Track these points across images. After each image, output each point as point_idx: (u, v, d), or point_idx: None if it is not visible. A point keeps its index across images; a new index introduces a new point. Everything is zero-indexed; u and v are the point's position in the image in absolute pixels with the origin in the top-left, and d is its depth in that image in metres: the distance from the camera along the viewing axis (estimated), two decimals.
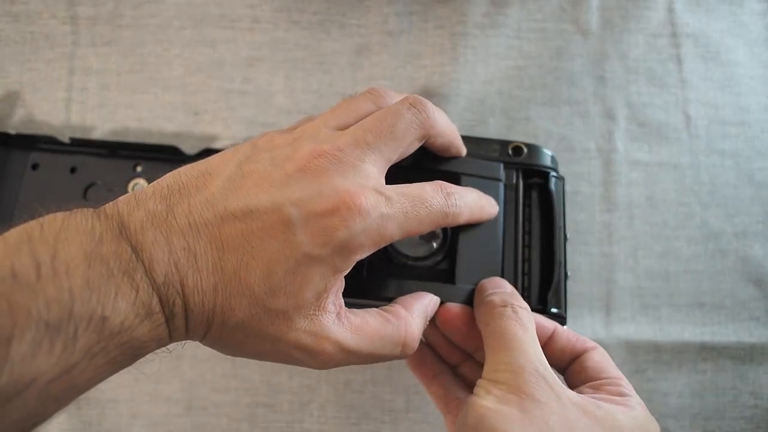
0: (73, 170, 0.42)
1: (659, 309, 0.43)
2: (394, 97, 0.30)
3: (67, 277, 0.20)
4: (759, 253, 0.44)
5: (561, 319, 0.34)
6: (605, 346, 0.41)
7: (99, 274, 0.21)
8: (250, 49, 0.47)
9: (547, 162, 0.36)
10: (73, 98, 0.46)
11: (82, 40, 0.47)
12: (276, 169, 0.26)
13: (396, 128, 0.28)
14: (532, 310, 0.31)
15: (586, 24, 0.48)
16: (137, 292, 0.22)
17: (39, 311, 0.19)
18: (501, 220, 0.34)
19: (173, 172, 0.27)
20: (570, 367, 0.31)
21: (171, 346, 0.25)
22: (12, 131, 0.42)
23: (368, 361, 0.28)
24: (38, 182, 0.42)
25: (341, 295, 0.27)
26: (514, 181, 0.35)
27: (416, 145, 0.30)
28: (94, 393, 0.41)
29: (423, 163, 0.33)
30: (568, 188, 0.44)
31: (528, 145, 0.36)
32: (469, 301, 0.32)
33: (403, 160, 0.29)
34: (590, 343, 0.32)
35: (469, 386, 0.34)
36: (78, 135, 0.45)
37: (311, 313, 0.26)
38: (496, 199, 0.34)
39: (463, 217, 0.30)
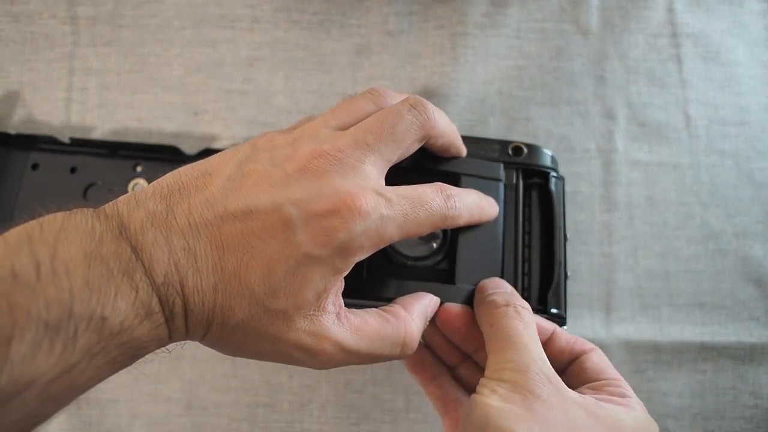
0: (73, 170, 0.42)
1: (659, 309, 0.43)
2: (395, 97, 0.30)
3: (66, 277, 0.20)
4: (759, 253, 0.44)
5: (561, 320, 0.34)
6: (605, 346, 0.42)
7: (99, 274, 0.21)
8: (250, 49, 0.47)
9: (547, 162, 0.36)
10: (73, 98, 0.46)
11: (82, 40, 0.47)
12: (276, 169, 0.26)
13: (396, 129, 0.28)
14: (532, 310, 0.31)
15: (586, 24, 0.48)
16: (137, 292, 0.22)
17: (39, 311, 0.19)
18: (501, 220, 0.34)
19: (173, 172, 0.27)
20: (569, 369, 0.31)
21: (171, 346, 0.25)
22: (12, 131, 0.42)
23: (368, 361, 0.28)
24: (38, 182, 0.42)
25: (341, 295, 0.27)
26: (514, 181, 0.35)
27: (416, 146, 0.30)
28: (94, 393, 0.41)
29: (423, 164, 0.33)
30: (568, 188, 0.44)
31: (528, 145, 0.36)
32: (469, 301, 0.32)
33: (403, 161, 0.29)
34: (588, 345, 0.32)
35: (467, 387, 0.34)
36: (78, 135, 0.45)
37: (311, 313, 0.26)
38: (497, 199, 0.34)
39: (463, 219, 0.30)
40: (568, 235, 0.36)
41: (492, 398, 0.26)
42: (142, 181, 0.42)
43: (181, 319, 0.24)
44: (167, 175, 0.26)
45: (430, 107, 0.29)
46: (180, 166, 0.27)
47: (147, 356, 0.24)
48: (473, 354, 0.33)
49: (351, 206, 0.25)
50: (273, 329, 0.25)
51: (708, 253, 0.44)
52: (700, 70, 0.47)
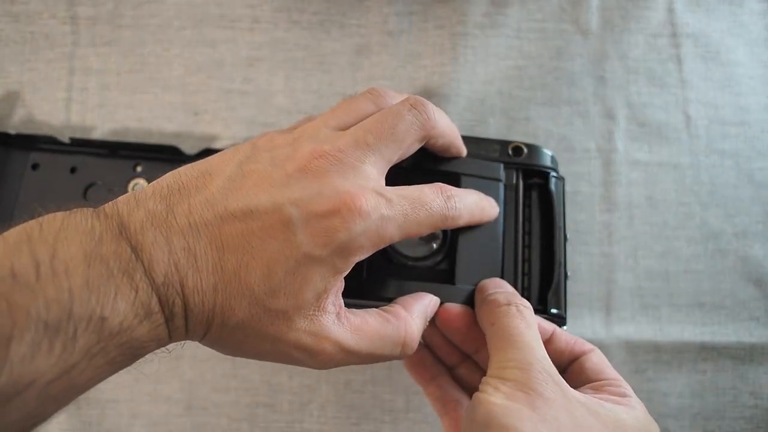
0: (73, 170, 0.42)
1: (659, 309, 0.43)
2: (395, 97, 0.30)
3: (66, 277, 0.20)
4: (759, 253, 0.44)
5: (561, 320, 0.34)
6: (605, 346, 0.42)
7: (98, 274, 0.21)
8: (250, 49, 0.47)
9: (547, 162, 0.36)
10: (73, 98, 0.46)
11: (82, 40, 0.47)
12: (276, 169, 0.26)
13: (397, 130, 0.28)
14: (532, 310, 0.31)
15: (586, 24, 0.48)
16: (137, 292, 0.22)
17: (38, 311, 0.19)
18: (501, 220, 0.34)
19: (173, 171, 0.27)
20: (569, 369, 0.31)
21: (170, 346, 0.25)
22: (12, 131, 0.42)
23: (368, 361, 0.28)
24: (38, 182, 0.42)
25: (341, 295, 0.27)
26: (514, 181, 0.35)
27: (416, 147, 0.30)
28: (94, 393, 0.41)
29: (423, 164, 0.33)
30: (568, 188, 0.44)
31: (528, 145, 0.36)
32: (469, 301, 0.32)
33: (403, 161, 0.29)
34: (588, 346, 0.32)
35: (467, 388, 0.34)
36: (78, 135, 0.45)
37: (311, 313, 0.26)
38: (497, 199, 0.34)
39: (463, 220, 0.30)
40: (568, 235, 0.36)
41: (495, 396, 0.25)
42: (142, 181, 0.42)
43: (180, 319, 0.24)
44: (167, 175, 0.26)
45: (431, 107, 0.29)
46: (180, 166, 0.27)
47: (147, 356, 0.24)
48: (473, 354, 0.33)
49: (351, 206, 0.25)
50: (273, 329, 0.25)
51: (708, 253, 0.44)
52: (700, 70, 0.47)
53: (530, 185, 0.36)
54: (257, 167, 0.26)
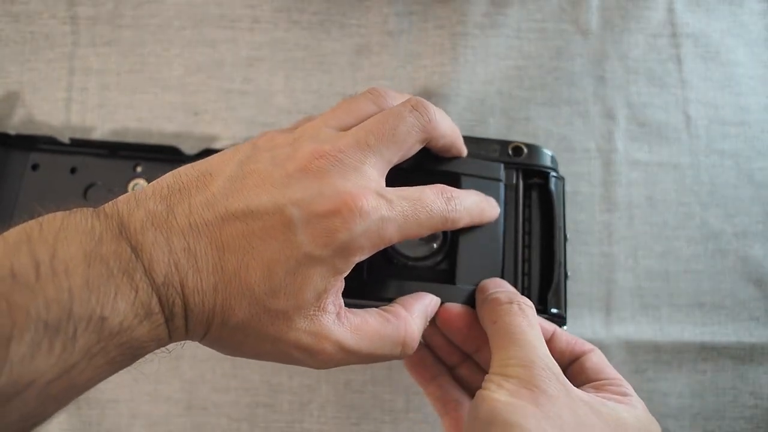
0: (73, 171, 0.42)
1: (659, 309, 0.43)
2: (395, 97, 0.30)
3: (66, 277, 0.20)
4: (759, 253, 0.44)
5: (561, 319, 0.34)
6: (605, 346, 0.42)
7: (98, 274, 0.21)
8: (250, 49, 0.47)
9: (547, 162, 0.36)
10: (73, 98, 0.46)
11: (82, 40, 0.47)
12: (277, 168, 0.26)
13: (398, 131, 0.28)
14: None
15: (586, 24, 0.48)
16: (137, 292, 0.22)
17: (38, 311, 0.19)
18: (501, 220, 0.34)
19: (173, 171, 0.27)
20: (569, 369, 0.31)
21: (170, 346, 0.25)
22: (12, 132, 0.42)
23: (368, 360, 0.28)
24: (38, 183, 0.42)
25: (341, 295, 0.27)
26: (514, 181, 0.35)
27: (417, 148, 0.30)
28: (94, 393, 0.41)
29: (423, 164, 0.33)
30: (568, 188, 0.44)
31: (528, 145, 0.36)
32: (470, 301, 0.32)
33: (403, 162, 0.29)
34: (588, 346, 0.32)
35: (467, 388, 0.34)
36: (78, 135, 0.45)
37: (311, 313, 0.26)
38: (497, 199, 0.34)
39: (463, 222, 0.30)
40: (568, 235, 0.36)
41: (499, 393, 0.25)
42: (142, 182, 0.42)
43: (181, 319, 0.24)
44: (167, 174, 0.26)
45: (432, 109, 0.29)
46: (180, 166, 0.27)
47: (147, 356, 0.24)
48: (474, 354, 0.33)
49: (352, 207, 0.25)
50: (273, 329, 0.25)
51: (708, 253, 0.44)
52: (700, 70, 0.47)
53: (530, 185, 0.36)
54: (258, 167, 0.26)
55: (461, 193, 0.30)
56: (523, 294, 0.33)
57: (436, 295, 0.31)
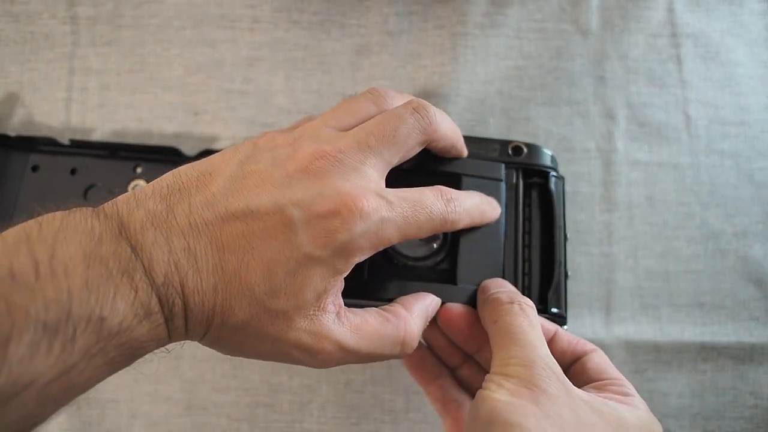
0: (73, 172, 0.42)
1: (659, 309, 0.43)
2: (395, 97, 0.30)
3: (65, 277, 0.20)
4: (759, 253, 0.44)
5: (561, 319, 0.34)
6: (605, 346, 0.42)
7: (98, 275, 0.21)
8: (250, 49, 0.47)
9: (547, 162, 0.36)
10: (73, 98, 0.46)
11: (82, 40, 0.47)
12: (277, 168, 0.26)
13: (398, 133, 0.28)
14: None
15: (586, 24, 0.48)
16: (136, 292, 0.22)
17: (37, 312, 0.19)
18: (502, 220, 0.34)
19: (173, 171, 0.27)
20: (571, 369, 0.31)
21: (170, 346, 0.25)
22: (12, 133, 0.42)
23: (368, 360, 0.28)
24: (38, 184, 0.42)
25: (341, 295, 0.27)
26: (514, 180, 0.35)
27: (417, 149, 0.30)
28: (93, 393, 0.41)
29: (424, 165, 0.33)
30: (568, 188, 0.44)
31: (528, 145, 0.36)
32: (471, 301, 0.32)
33: (404, 162, 0.29)
34: (590, 346, 0.32)
35: (468, 389, 0.34)
36: (78, 136, 0.45)
37: (311, 313, 0.26)
38: (498, 199, 0.34)
39: (463, 223, 0.30)
40: (568, 235, 0.36)
41: (499, 393, 0.25)
42: (142, 183, 0.42)
43: (180, 319, 0.24)
44: (167, 174, 0.26)
45: (433, 111, 0.29)
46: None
47: (146, 356, 0.24)
48: (475, 354, 0.33)
49: (352, 207, 0.25)
50: (273, 329, 0.25)
51: (708, 253, 0.44)
52: (700, 70, 0.47)
53: (530, 185, 0.36)
54: (258, 167, 0.26)
55: (461, 195, 0.30)
56: (523, 293, 0.33)
57: (438, 295, 0.31)
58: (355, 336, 0.27)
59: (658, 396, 0.42)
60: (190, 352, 0.42)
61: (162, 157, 0.42)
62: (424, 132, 0.29)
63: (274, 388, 0.42)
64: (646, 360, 0.42)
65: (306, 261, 0.25)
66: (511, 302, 0.29)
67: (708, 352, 0.42)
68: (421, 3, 0.47)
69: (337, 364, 0.27)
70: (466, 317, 0.31)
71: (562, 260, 0.34)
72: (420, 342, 0.33)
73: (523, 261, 0.34)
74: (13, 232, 0.21)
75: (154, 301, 0.23)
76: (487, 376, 0.27)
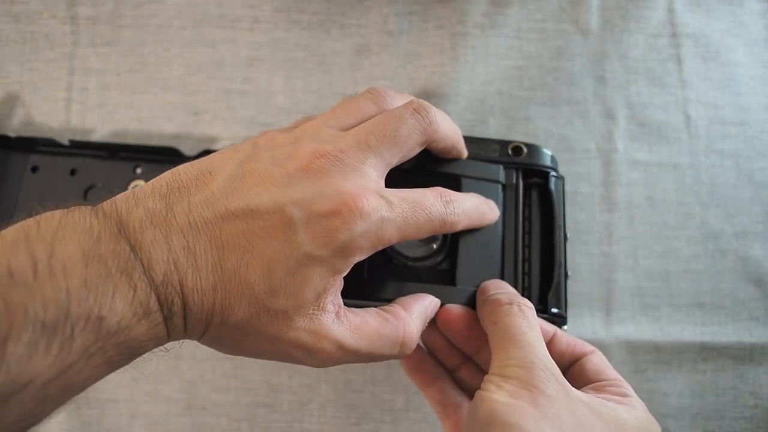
0: (73, 172, 0.42)
1: (659, 309, 0.43)
2: (395, 97, 0.30)
3: (64, 276, 0.20)
4: (759, 253, 0.44)
5: (561, 319, 0.34)
6: (605, 346, 0.42)
7: (97, 274, 0.21)
8: (250, 49, 0.47)
9: (547, 162, 0.36)
10: (73, 98, 0.46)
11: (82, 40, 0.47)
12: (277, 168, 0.26)
13: (398, 133, 0.28)
14: None
15: (586, 24, 0.48)
16: (135, 291, 0.22)
17: (36, 311, 0.19)
18: (501, 220, 0.34)
19: (172, 170, 0.27)
20: (569, 370, 0.31)
21: (169, 345, 0.25)
22: (12, 134, 0.42)
23: (367, 360, 0.28)
24: (38, 184, 0.42)
25: (340, 294, 0.27)
26: (514, 181, 0.35)
27: (417, 150, 0.30)
28: (93, 393, 0.41)
29: (424, 165, 0.33)
30: (568, 188, 0.44)
31: (528, 145, 0.36)
32: (470, 302, 0.32)
33: (403, 163, 0.29)
34: (588, 347, 0.32)
35: (467, 390, 0.34)
36: (78, 136, 0.45)
37: (311, 312, 0.26)
38: (496, 202, 0.34)
39: (462, 225, 0.30)
40: (568, 235, 0.36)
41: (498, 394, 0.25)
42: (142, 183, 0.42)
43: (179, 318, 0.24)
44: (166, 173, 0.26)
45: (433, 111, 0.29)
46: None
47: (145, 356, 0.24)
48: (474, 355, 0.33)
49: (352, 207, 0.25)
50: (273, 328, 0.25)
51: (708, 253, 0.44)
52: (700, 70, 0.47)
53: (530, 185, 0.36)
54: (258, 166, 0.26)
55: (461, 197, 0.30)
56: (523, 294, 0.33)
57: (437, 296, 0.31)
58: (354, 336, 0.27)
59: (658, 396, 0.42)
60: (190, 351, 0.42)
61: (162, 157, 0.42)
62: (424, 132, 0.29)
63: (274, 388, 0.42)
64: (646, 360, 0.42)
65: (306, 260, 0.25)
66: (511, 303, 0.29)
67: (708, 352, 0.42)
68: (421, 3, 0.47)
69: (337, 363, 0.27)
70: (465, 318, 0.31)
71: (562, 260, 0.34)
72: (418, 345, 0.33)
73: (523, 261, 0.34)
74: (11, 231, 0.21)
75: (153, 300, 0.23)
76: (486, 377, 0.27)
